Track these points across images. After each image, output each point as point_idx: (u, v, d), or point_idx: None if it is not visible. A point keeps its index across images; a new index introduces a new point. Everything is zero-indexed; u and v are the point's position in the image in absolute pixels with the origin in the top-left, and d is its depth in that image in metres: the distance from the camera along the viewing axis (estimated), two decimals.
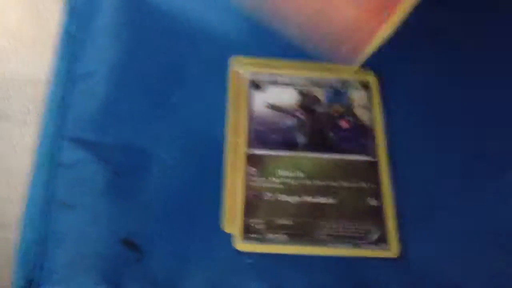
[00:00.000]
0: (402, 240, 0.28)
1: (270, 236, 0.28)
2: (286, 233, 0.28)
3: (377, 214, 0.28)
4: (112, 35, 0.33)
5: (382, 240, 0.28)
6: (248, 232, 0.28)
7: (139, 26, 0.33)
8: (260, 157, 0.30)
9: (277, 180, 0.29)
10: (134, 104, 0.31)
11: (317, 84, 0.32)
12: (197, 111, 0.32)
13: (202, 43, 0.34)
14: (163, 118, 0.31)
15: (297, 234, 0.28)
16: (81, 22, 0.33)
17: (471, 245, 0.28)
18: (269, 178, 0.29)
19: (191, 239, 0.28)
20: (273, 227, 0.28)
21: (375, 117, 0.32)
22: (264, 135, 0.30)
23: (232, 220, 0.28)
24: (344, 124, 0.31)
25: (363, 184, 0.29)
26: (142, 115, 0.31)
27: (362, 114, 0.32)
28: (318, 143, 0.30)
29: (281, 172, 0.29)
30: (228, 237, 0.28)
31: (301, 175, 0.29)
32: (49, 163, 0.28)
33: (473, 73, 0.34)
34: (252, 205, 0.28)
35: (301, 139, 0.30)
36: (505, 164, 0.31)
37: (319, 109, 0.32)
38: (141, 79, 0.32)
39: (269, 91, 0.32)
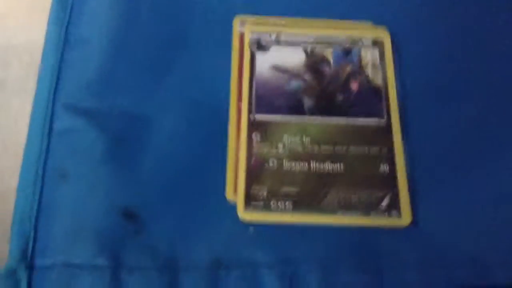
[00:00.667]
0: (414, 208, 0.26)
1: (274, 204, 0.26)
2: (291, 201, 0.26)
3: (389, 181, 0.27)
4: None
5: (393, 208, 0.26)
6: (251, 200, 0.26)
7: None
8: (264, 122, 0.28)
9: (282, 147, 0.27)
10: (133, 70, 0.30)
11: (325, 42, 0.30)
12: (200, 76, 0.30)
13: (205, 4, 0.32)
14: (164, 84, 0.29)
15: (303, 203, 0.26)
16: None
17: (486, 213, 0.27)
18: (274, 144, 0.27)
19: (194, 209, 0.27)
20: (277, 195, 0.26)
21: (387, 77, 0.29)
22: (269, 99, 0.29)
23: (235, 188, 0.27)
24: (354, 85, 0.29)
25: (375, 150, 0.27)
26: (142, 82, 0.30)
27: (373, 74, 0.29)
28: (326, 106, 0.29)
29: (286, 138, 0.28)
30: (232, 206, 0.26)
31: (308, 141, 0.28)
32: (43, 131, 0.27)
33: (489, 33, 0.31)
34: (255, 172, 0.27)
35: (308, 102, 0.29)
36: None
37: (327, 70, 0.30)
38: (140, 44, 0.30)
39: (274, 51, 0.30)
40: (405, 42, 0.31)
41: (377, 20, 0.31)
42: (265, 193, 0.26)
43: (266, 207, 0.26)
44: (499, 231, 0.26)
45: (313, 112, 0.28)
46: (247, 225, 0.26)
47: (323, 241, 0.26)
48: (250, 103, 0.28)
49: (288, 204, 0.26)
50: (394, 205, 0.26)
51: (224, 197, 0.27)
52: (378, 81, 0.29)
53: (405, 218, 0.26)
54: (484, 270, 0.25)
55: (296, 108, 0.28)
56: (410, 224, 0.26)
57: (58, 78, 0.29)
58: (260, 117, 0.28)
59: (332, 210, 0.26)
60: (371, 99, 0.29)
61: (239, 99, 0.29)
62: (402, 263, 0.25)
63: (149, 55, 0.30)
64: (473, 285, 0.25)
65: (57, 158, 0.27)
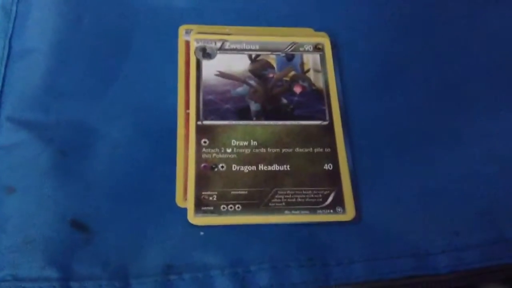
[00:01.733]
0: (358, 203, 0.28)
1: (225, 208, 0.27)
2: (240, 204, 0.27)
3: (333, 179, 0.28)
4: (52, 8, 0.31)
5: (338, 204, 0.27)
6: (201, 205, 0.27)
7: None
8: (212, 127, 0.29)
9: (230, 151, 0.28)
10: (79, 80, 0.30)
11: (268, 49, 0.31)
12: (147, 84, 0.30)
13: (150, 13, 0.32)
14: (110, 93, 0.30)
15: (252, 204, 0.27)
16: None
17: (426, 204, 0.28)
18: (222, 148, 0.28)
19: (144, 217, 0.27)
20: (227, 198, 0.27)
21: (328, 80, 0.31)
22: (215, 104, 0.29)
23: (184, 194, 0.27)
24: (297, 89, 0.30)
25: (318, 149, 0.28)
26: (88, 91, 0.29)
27: (315, 78, 0.31)
28: (271, 110, 0.29)
29: (234, 142, 0.28)
30: (183, 212, 0.27)
31: (255, 144, 0.28)
32: None
33: (423, 28, 0.33)
34: (204, 177, 0.27)
35: (254, 107, 0.29)
36: (457, 123, 0.30)
37: (271, 75, 0.30)
38: (85, 54, 0.30)
39: (219, 58, 0.31)
40: (344, 45, 0.32)
41: (318, 26, 0.32)
42: (215, 197, 0.27)
43: (217, 211, 0.27)
44: (439, 221, 0.28)
45: (259, 116, 0.29)
46: (197, 229, 0.27)
47: (272, 240, 0.26)
48: (197, 109, 0.29)
49: (238, 206, 0.27)
50: (338, 202, 0.27)
51: (175, 204, 0.27)
52: (320, 84, 0.30)
53: (349, 213, 0.27)
54: (426, 259, 0.27)
55: (242, 113, 0.29)
56: (355, 219, 0.27)
57: (1, 92, 0.29)
58: (207, 123, 0.29)
59: (280, 210, 0.27)
60: (314, 101, 0.30)
61: (187, 106, 0.29)
62: (348, 257, 0.26)
63: (94, 65, 0.30)
64: (416, 275, 0.26)
65: (2, 173, 0.27)
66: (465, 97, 0.31)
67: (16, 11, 0.31)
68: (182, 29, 0.32)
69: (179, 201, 0.27)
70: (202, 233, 0.27)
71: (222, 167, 0.28)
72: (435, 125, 0.30)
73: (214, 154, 0.28)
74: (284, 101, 0.30)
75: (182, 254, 0.26)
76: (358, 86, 0.31)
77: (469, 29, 0.33)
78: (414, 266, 0.26)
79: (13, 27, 0.30)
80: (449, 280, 0.26)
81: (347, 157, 0.29)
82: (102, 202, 0.27)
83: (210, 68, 0.30)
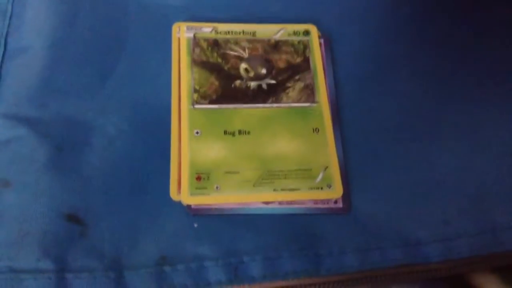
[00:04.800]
0: (349, 193, 0.28)
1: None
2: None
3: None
4: (47, 6, 0.31)
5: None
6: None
7: None
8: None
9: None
10: (75, 76, 0.30)
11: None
12: (142, 80, 0.31)
13: (144, 10, 0.33)
14: (106, 89, 0.30)
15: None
16: None
17: (417, 194, 0.28)
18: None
19: (139, 210, 0.27)
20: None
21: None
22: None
23: (178, 187, 0.28)
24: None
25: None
26: (84, 88, 0.30)
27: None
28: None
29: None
30: (176, 205, 0.27)
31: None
32: None
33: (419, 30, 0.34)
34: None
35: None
36: (447, 116, 0.31)
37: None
38: (81, 51, 0.31)
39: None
40: (337, 40, 0.33)
41: (310, 22, 0.33)
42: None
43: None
44: (429, 211, 0.28)
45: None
46: (191, 221, 0.27)
47: (265, 231, 0.27)
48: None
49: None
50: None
51: (169, 197, 0.27)
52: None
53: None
54: (417, 249, 0.27)
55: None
56: (347, 209, 0.28)
57: None
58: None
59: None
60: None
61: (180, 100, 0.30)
62: (340, 247, 0.27)
63: (89, 61, 0.31)
64: (406, 263, 0.27)
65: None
66: (454, 90, 0.32)
67: (12, 10, 0.31)
68: (176, 27, 0.32)
69: (173, 194, 0.27)
70: (196, 225, 0.27)
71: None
72: (426, 117, 0.31)
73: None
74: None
75: (176, 245, 0.26)
76: (350, 80, 0.31)
77: (459, 24, 0.34)
78: (405, 256, 0.27)
79: (9, 26, 0.31)
80: (440, 269, 0.27)
81: (335, 138, 0.29)
82: (97, 195, 0.27)
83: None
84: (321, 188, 0.28)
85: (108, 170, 0.28)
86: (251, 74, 0.30)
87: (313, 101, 0.30)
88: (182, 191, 0.27)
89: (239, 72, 0.31)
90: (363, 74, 0.32)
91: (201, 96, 0.30)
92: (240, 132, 0.29)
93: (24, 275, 0.25)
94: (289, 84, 0.31)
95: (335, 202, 0.28)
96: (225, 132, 0.29)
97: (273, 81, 0.30)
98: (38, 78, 0.30)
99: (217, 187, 0.27)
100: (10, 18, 0.31)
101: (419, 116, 0.31)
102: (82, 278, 0.25)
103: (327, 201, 0.28)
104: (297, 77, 0.31)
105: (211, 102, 0.30)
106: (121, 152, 0.28)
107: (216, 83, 0.30)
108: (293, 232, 0.27)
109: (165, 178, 0.28)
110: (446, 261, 0.27)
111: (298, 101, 0.30)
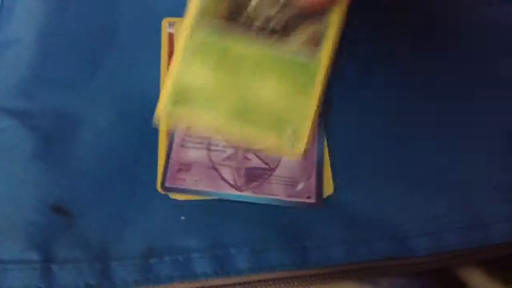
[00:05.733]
0: (337, 186, 0.28)
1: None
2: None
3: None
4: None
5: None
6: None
7: None
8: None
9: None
10: (64, 69, 0.30)
11: None
12: (131, 73, 0.31)
13: (135, 5, 0.33)
14: (94, 82, 0.30)
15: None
16: None
17: (405, 188, 0.28)
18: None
19: (126, 202, 0.27)
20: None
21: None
22: None
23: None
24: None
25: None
26: (73, 80, 0.30)
27: None
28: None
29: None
30: (163, 197, 0.27)
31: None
32: None
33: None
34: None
35: None
36: (437, 111, 0.30)
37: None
38: (71, 43, 0.31)
39: None
40: None
41: None
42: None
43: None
44: (417, 204, 0.28)
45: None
46: (178, 213, 0.27)
47: (252, 223, 0.27)
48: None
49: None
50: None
51: (156, 189, 0.27)
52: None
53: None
54: (405, 242, 0.27)
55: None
56: (334, 202, 0.28)
57: None
58: None
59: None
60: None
61: None
62: (327, 240, 0.27)
63: (79, 54, 0.31)
64: (394, 257, 0.27)
65: None
66: (443, 85, 0.31)
67: (2, 3, 0.31)
68: (165, 22, 0.32)
69: (159, 186, 0.27)
70: (183, 217, 0.27)
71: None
72: (415, 111, 0.30)
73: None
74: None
75: (163, 237, 0.26)
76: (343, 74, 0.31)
77: (448, 19, 0.34)
78: (393, 249, 0.27)
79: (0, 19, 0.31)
80: (427, 262, 0.27)
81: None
82: (84, 187, 0.27)
83: None
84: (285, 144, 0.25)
85: (96, 161, 0.28)
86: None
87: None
88: (159, 104, 0.26)
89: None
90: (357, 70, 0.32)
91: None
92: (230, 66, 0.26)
93: (8, 266, 0.25)
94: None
95: (308, 197, 0.28)
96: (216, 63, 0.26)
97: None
98: (27, 70, 0.30)
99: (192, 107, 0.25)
100: (1, 11, 0.31)
101: (408, 109, 0.30)
102: (68, 269, 0.25)
103: (299, 193, 0.28)
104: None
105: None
106: (109, 144, 0.28)
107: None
108: (280, 224, 0.27)
109: (153, 170, 0.28)
110: (434, 254, 0.27)
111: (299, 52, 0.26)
